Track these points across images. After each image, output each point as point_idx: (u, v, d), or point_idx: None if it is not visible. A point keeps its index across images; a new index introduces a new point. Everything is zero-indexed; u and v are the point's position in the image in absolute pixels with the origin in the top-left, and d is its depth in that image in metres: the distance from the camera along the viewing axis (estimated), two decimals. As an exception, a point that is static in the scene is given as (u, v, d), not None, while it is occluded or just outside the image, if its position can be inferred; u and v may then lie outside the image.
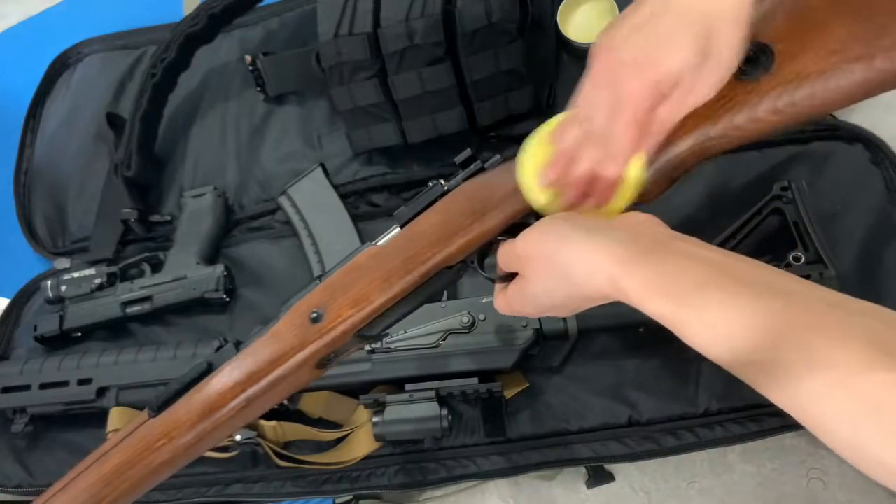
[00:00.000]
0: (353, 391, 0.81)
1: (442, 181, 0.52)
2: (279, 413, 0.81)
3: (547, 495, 0.86)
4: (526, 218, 0.49)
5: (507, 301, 0.50)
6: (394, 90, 0.87)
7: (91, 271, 0.95)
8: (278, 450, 0.80)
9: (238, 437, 0.78)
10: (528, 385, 0.80)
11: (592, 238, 0.41)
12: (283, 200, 0.95)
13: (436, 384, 0.76)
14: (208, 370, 0.51)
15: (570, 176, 0.44)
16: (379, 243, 0.51)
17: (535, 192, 0.46)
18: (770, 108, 0.43)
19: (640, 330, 0.76)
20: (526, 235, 0.46)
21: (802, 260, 0.72)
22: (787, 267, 0.72)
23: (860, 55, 0.39)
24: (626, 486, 0.85)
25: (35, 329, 0.94)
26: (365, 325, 0.49)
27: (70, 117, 1.13)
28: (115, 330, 0.95)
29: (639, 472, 0.85)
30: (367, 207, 0.96)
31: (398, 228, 0.51)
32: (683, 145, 0.46)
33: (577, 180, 0.45)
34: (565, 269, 0.42)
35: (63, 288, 0.95)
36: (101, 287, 0.94)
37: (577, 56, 0.93)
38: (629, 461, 0.77)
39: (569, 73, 0.93)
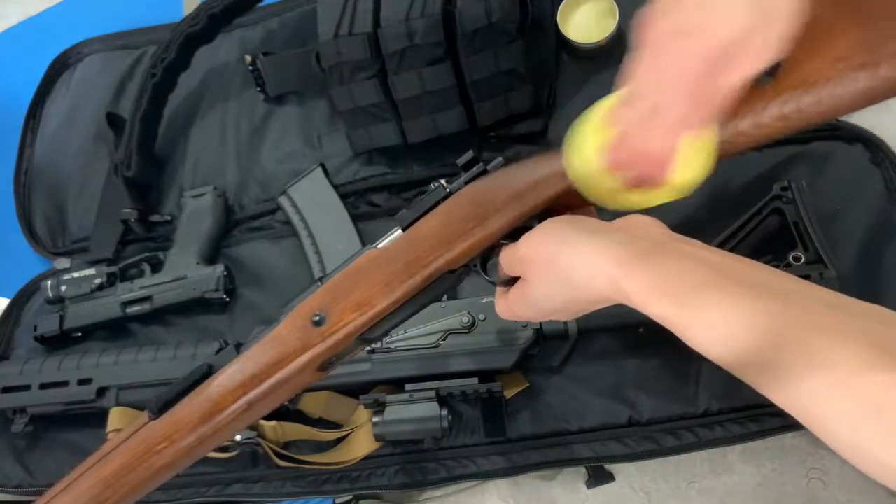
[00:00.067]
0: (353, 391, 0.81)
1: (443, 182, 0.51)
2: (279, 413, 0.81)
3: (547, 495, 0.86)
4: (528, 221, 0.49)
5: (508, 305, 0.50)
6: (394, 90, 0.87)
7: (91, 271, 0.95)
8: (278, 450, 0.81)
9: (238, 437, 0.78)
10: (528, 385, 0.80)
11: (593, 240, 0.41)
12: (283, 200, 0.95)
13: (436, 384, 0.76)
14: (209, 373, 0.51)
15: (634, 156, 0.42)
16: (380, 245, 0.51)
17: (598, 177, 0.44)
18: (776, 114, 0.43)
19: (640, 330, 0.76)
20: (528, 238, 0.45)
21: (802, 260, 0.72)
22: (787, 267, 0.72)
23: (865, 62, 0.39)
24: (626, 486, 0.85)
25: (35, 329, 0.94)
26: (367, 329, 0.49)
27: (70, 117, 1.13)
28: (115, 330, 0.96)
29: (639, 472, 0.85)
30: (367, 207, 0.96)
31: (399, 231, 0.51)
32: None
33: (641, 159, 0.42)
34: (567, 272, 0.42)
35: (63, 288, 0.95)
36: (101, 287, 0.94)
37: (577, 56, 0.93)
38: (629, 461, 0.77)
39: (569, 73, 0.93)
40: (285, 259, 0.95)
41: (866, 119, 0.83)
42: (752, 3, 0.37)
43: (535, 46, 0.89)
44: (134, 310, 0.93)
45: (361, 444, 0.81)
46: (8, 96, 1.20)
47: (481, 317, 0.78)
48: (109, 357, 0.86)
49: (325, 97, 0.97)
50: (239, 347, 0.51)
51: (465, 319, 0.77)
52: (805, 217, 0.73)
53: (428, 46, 0.83)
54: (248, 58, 1.00)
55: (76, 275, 0.95)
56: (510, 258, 0.48)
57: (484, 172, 0.51)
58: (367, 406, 0.77)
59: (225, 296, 0.91)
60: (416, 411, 0.75)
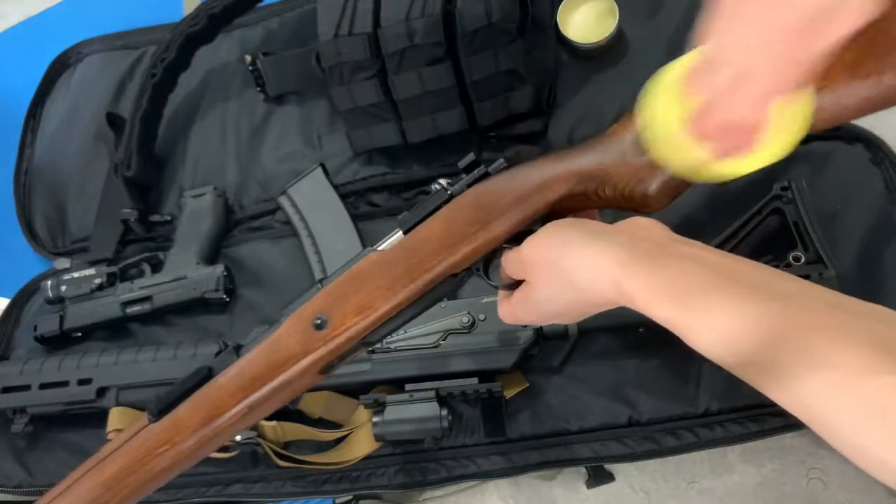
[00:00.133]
0: (353, 391, 0.81)
1: (444, 182, 0.51)
2: (279, 413, 0.80)
3: (547, 495, 0.86)
4: (531, 225, 0.49)
5: (511, 309, 0.49)
6: (394, 90, 0.87)
7: (91, 271, 0.95)
8: (278, 450, 0.81)
9: (238, 437, 0.78)
10: (528, 385, 0.80)
11: (595, 242, 0.41)
12: (283, 200, 0.95)
13: (436, 384, 0.76)
14: (209, 375, 0.51)
15: (723, 126, 0.39)
16: (381, 248, 0.50)
17: (684, 150, 0.41)
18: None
19: (640, 330, 0.76)
20: (530, 241, 0.45)
21: (802, 260, 0.72)
22: (787, 267, 0.72)
23: (870, 71, 0.39)
24: (626, 486, 0.85)
25: (35, 329, 0.94)
26: (369, 332, 0.49)
27: (70, 117, 1.13)
28: (115, 330, 0.96)
29: (639, 472, 0.85)
30: (367, 207, 0.96)
31: (400, 233, 0.50)
32: None
33: (730, 128, 0.39)
34: (569, 275, 0.42)
35: (63, 288, 0.95)
36: (101, 287, 0.94)
37: (577, 56, 0.93)
38: (629, 461, 0.77)
39: (569, 73, 0.93)
40: (285, 259, 0.95)
41: (866, 119, 0.83)
42: None
43: (535, 46, 0.89)
44: (134, 310, 0.93)
45: (361, 444, 0.81)
46: (8, 96, 1.20)
47: (481, 317, 0.78)
48: (109, 357, 0.86)
49: (325, 97, 0.97)
50: (239, 349, 0.51)
51: (465, 319, 0.77)
52: (805, 217, 0.73)
53: (428, 46, 0.83)
54: (248, 58, 1.00)
55: (76, 275, 0.95)
56: (513, 261, 0.48)
57: (486, 175, 0.50)
58: (367, 406, 0.77)
59: (225, 296, 0.91)
60: (416, 411, 0.75)
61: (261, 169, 1.01)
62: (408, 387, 0.77)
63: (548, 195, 0.48)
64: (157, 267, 0.96)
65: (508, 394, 0.79)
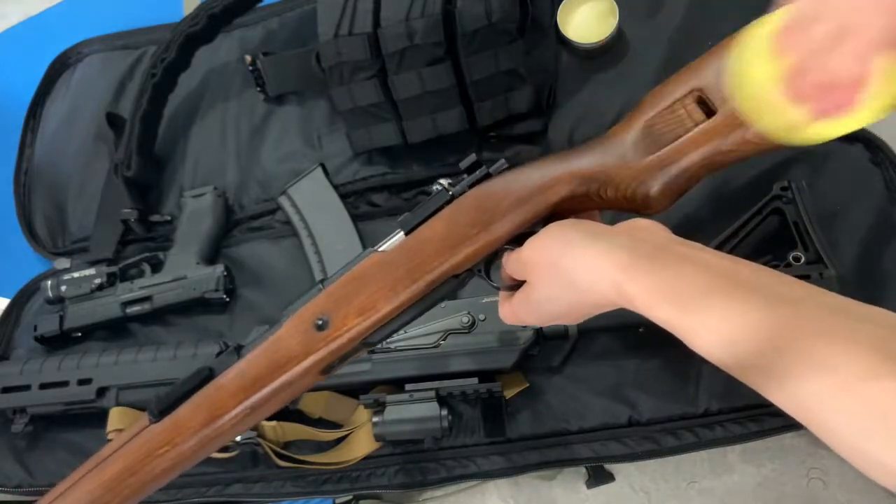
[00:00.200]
0: (353, 391, 0.81)
1: (445, 183, 0.51)
2: (279, 413, 0.80)
3: (547, 495, 0.86)
4: (533, 226, 0.49)
5: (512, 310, 0.50)
6: (394, 90, 0.87)
7: (91, 271, 0.95)
8: (278, 450, 0.81)
9: (238, 438, 0.78)
10: (528, 385, 0.80)
11: (596, 244, 0.41)
12: (283, 200, 0.95)
13: (436, 384, 0.76)
14: (210, 376, 0.51)
15: (821, 85, 0.38)
16: (382, 248, 0.50)
17: (780, 112, 0.40)
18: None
19: (641, 330, 0.76)
20: (532, 242, 0.45)
21: (802, 260, 0.72)
22: (787, 267, 0.72)
23: None
24: (626, 486, 0.85)
25: (35, 329, 0.94)
26: (370, 333, 0.49)
27: (70, 117, 1.13)
28: (115, 330, 0.95)
29: (639, 472, 0.85)
30: (367, 207, 0.96)
31: (402, 234, 0.50)
32: (695, 157, 0.45)
33: (830, 87, 0.38)
34: (570, 276, 0.42)
35: (63, 288, 0.94)
36: (101, 287, 0.94)
37: (577, 56, 0.93)
38: (629, 461, 0.77)
39: (569, 73, 0.93)
40: (285, 259, 0.95)
41: (866, 119, 0.83)
42: None
43: (535, 46, 0.89)
44: (134, 310, 0.93)
45: (361, 444, 0.81)
46: (8, 96, 1.20)
47: (481, 317, 0.78)
48: (109, 357, 0.86)
49: (325, 97, 0.97)
50: (240, 350, 0.51)
51: (465, 319, 0.77)
52: (805, 217, 0.73)
53: (428, 46, 0.83)
54: (248, 58, 1.00)
55: (76, 275, 0.95)
56: (514, 262, 0.48)
57: (487, 176, 0.50)
58: (367, 406, 0.77)
59: (225, 296, 0.91)
60: (416, 411, 0.75)
61: (261, 169, 1.01)
62: (408, 387, 0.77)
63: (549, 196, 0.48)
64: (157, 267, 0.96)
65: (508, 394, 0.79)
